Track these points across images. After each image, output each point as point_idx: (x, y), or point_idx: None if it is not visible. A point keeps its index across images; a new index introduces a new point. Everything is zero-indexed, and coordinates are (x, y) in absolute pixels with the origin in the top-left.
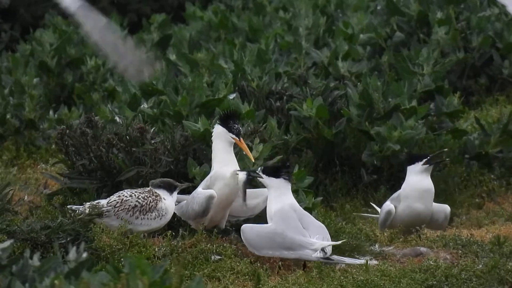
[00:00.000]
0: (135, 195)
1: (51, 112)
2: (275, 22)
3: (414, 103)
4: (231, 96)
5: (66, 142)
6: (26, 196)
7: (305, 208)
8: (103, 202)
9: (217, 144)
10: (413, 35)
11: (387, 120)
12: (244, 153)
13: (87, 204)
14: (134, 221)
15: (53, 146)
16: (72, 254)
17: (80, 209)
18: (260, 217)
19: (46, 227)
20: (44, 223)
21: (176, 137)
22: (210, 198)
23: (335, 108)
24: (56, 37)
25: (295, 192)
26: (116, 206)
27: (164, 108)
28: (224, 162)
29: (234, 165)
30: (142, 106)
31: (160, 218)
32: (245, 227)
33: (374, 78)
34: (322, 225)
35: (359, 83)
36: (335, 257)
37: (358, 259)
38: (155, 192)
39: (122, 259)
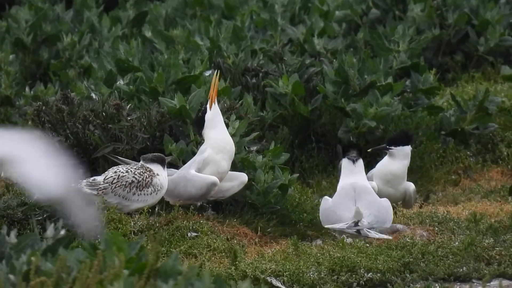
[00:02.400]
0: (131, 171)
1: (27, 89)
2: None
3: (390, 80)
4: (207, 73)
5: (42, 119)
6: (2, 173)
7: (281, 185)
8: (99, 178)
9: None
10: (389, 12)
11: (363, 96)
12: None
13: (84, 181)
14: (131, 197)
15: (29, 122)
16: (49, 231)
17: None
18: (235, 200)
19: (23, 204)
20: (21, 199)
21: (152, 113)
22: (213, 184)
23: (311, 85)
24: (31, 14)
25: (271, 168)
26: (113, 182)
27: (140, 85)
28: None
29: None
30: (118, 82)
31: (156, 193)
32: (323, 199)
33: (349, 55)
34: (385, 204)
35: (334, 60)
36: (365, 231)
37: (386, 235)
38: (148, 168)
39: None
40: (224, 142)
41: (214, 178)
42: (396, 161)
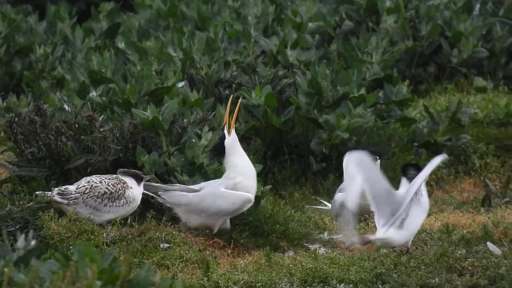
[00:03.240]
0: (105, 181)
1: None
2: (224, 11)
3: (363, 91)
4: (180, 84)
5: (15, 130)
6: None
7: (256, 197)
8: (71, 188)
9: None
10: (362, 24)
11: (335, 108)
12: None
13: (55, 190)
14: (102, 208)
15: (2, 134)
16: (20, 242)
17: (48, 194)
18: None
19: None
20: None
21: (125, 125)
22: (248, 201)
23: (284, 96)
24: (4, 25)
25: None
26: (86, 192)
27: (113, 96)
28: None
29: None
30: (91, 94)
31: (128, 205)
32: None
33: (323, 67)
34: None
35: (307, 72)
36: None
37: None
38: (122, 180)
39: (71, 247)
40: (251, 167)
41: (250, 196)
42: None
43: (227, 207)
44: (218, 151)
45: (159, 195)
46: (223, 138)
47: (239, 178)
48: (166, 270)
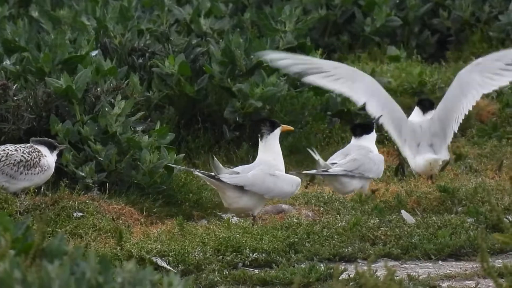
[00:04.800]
0: (20, 149)
1: None
2: None
3: None
4: (93, 53)
5: None
6: None
7: (166, 165)
8: None
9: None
10: None
11: (249, 77)
12: None
13: None
14: (18, 176)
15: None
16: None
17: None
18: (121, 179)
19: None
20: None
21: (38, 93)
22: (299, 184)
23: (197, 65)
24: None
25: (157, 148)
26: (1, 160)
27: (27, 65)
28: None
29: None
30: (4, 62)
31: (43, 173)
32: None
33: (236, 35)
34: (378, 157)
35: (221, 40)
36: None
37: None
38: (37, 148)
39: None
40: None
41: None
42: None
43: (288, 189)
44: (271, 125)
45: (217, 178)
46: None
47: (280, 165)
48: (79, 239)
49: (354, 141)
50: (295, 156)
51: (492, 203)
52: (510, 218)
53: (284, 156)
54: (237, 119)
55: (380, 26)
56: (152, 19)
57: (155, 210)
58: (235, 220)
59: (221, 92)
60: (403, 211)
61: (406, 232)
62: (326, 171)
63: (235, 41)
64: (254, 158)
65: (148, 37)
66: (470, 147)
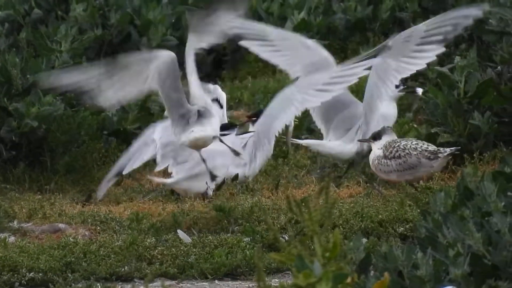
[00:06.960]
0: None
1: None
2: None
3: None
4: None
5: None
6: None
7: None
8: None
9: None
10: (52, 12)
11: (25, 96)
12: None
13: None
14: None
15: None
16: None
17: None
18: None
19: None
20: None
21: None
22: None
23: None
24: None
25: None
26: None
27: None
28: None
29: None
30: None
31: None
32: None
33: (12, 55)
34: None
35: None
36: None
37: None
38: None
39: None
40: None
41: None
42: None
43: None
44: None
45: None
46: None
47: None
48: None
49: None
50: (71, 175)
51: (269, 222)
52: (286, 237)
53: (61, 176)
54: (14, 138)
55: (156, 45)
56: None
57: None
58: (12, 239)
59: None
60: (179, 231)
61: (182, 252)
62: None
63: (11, 60)
64: (30, 177)
65: None
66: None
